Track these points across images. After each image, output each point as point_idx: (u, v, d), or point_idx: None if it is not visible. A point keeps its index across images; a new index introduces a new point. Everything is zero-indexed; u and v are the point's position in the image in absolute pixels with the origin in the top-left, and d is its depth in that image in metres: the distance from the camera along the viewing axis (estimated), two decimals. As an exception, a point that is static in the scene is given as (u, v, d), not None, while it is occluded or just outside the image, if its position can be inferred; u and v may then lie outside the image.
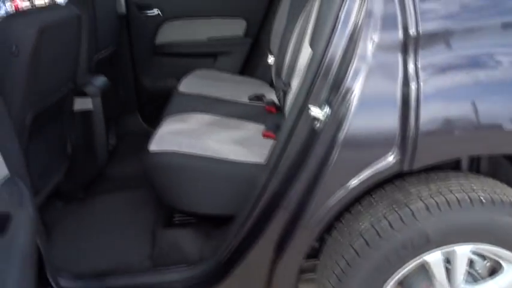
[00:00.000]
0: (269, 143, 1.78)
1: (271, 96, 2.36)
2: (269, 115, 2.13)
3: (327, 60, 1.19)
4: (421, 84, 1.16)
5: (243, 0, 2.84)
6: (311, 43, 1.67)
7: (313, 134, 1.22)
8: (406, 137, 1.18)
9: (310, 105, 1.22)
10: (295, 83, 1.78)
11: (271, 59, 2.70)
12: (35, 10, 1.45)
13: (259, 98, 2.32)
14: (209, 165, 1.54)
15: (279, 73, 2.09)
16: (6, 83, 1.33)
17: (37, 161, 1.64)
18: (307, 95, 1.23)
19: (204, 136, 1.74)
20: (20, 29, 1.32)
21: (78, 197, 2.12)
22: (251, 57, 2.95)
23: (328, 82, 1.19)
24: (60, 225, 1.94)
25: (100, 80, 2.07)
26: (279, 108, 2.20)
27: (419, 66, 1.16)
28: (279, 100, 2.23)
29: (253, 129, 1.90)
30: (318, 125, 1.20)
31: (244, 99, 2.32)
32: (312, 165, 1.24)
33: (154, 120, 2.81)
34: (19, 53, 1.34)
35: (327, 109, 1.19)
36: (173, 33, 2.84)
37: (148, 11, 2.79)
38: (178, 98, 2.25)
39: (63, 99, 1.80)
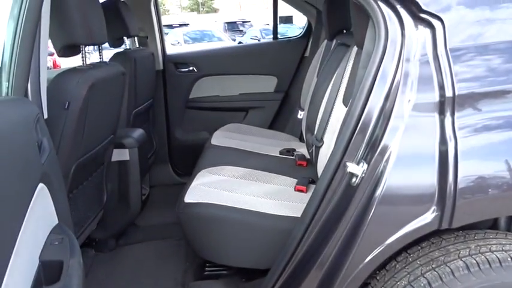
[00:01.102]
0: (301, 196, 1.80)
1: (302, 150, 2.40)
2: (300, 169, 2.16)
3: (364, 117, 1.23)
4: (459, 143, 1.18)
5: (275, 59, 2.96)
6: (344, 101, 1.73)
7: (350, 190, 1.24)
8: (444, 194, 1.18)
9: (347, 162, 1.24)
10: (327, 139, 1.82)
11: (301, 114, 2.77)
12: (85, 67, 1.56)
13: (289, 152, 2.36)
14: (243, 217, 1.56)
15: (310, 128, 2.14)
16: (56, 135, 1.41)
17: (75, 209, 1.69)
18: (344, 151, 1.26)
19: (238, 188, 1.77)
20: (73, 85, 1.41)
21: (109, 248, 2.15)
22: (281, 112, 3.03)
23: (365, 139, 1.22)
24: (91, 274, 1.96)
25: (138, 133, 2.16)
26: (310, 162, 2.23)
27: (456, 125, 1.19)
28: (310, 154, 2.27)
29: (285, 183, 1.93)
30: (355, 181, 1.22)
31: (275, 153, 2.36)
32: (349, 221, 1.24)
33: (184, 172, 2.91)
34: (69, 107, 1.43)
35: (364, 165, 1.22)
36: (207, 88, 2.96)
37: (185, 68, 2.93)
38: (211, 150, 2.31)
39: (104, 151, 1.88)
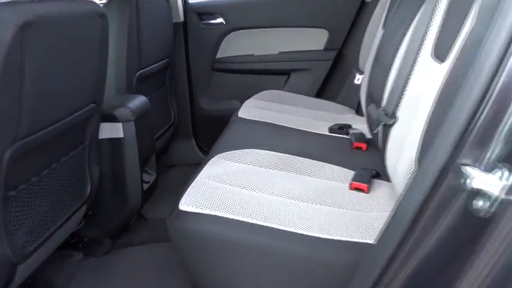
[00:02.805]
0: (361, 200, 1.19)
1: (360, 127, 1.76)
2: (357, 154, 1.54)
3: (497, 90, 0.59)
4: None
5: (326, 6, 2.28)
6: (437, 52, 1.07)
7: (474, 223, 0.61)
8: None
9: (463, 165, 0.61)
10: (404, 114, 1.18)
11: (359, 79, 2.11)
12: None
13: (343, 129, 1.73)
14: (267, 242, 0.98)
15: (374, 98, 1.49)
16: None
17: (40, 204, 1.19)
18: (457, 146, 0.63)
19: (264, 187, 1.19)
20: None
21: (103, 250, 1.66)
22: (333, 76, 2.37)
23: (502, 129, 0.59)
24: (75, 285, 1.48)
25: (136, 101, 1.61)
26: (372, 145, 1.60)
27: None
28: (372, 134, 1.63)
29: (336, 176, 1.32)
30: (486, 206, 0.59)
31: (323, 130, 1.74)
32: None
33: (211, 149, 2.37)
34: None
35: (503, 174, 0.58)
36: (238, 45, 2.35)
37: (211, 20, 2.33)
38: (236, 126, 1.73)
39: (82, 126, 1.35)
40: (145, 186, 1.71)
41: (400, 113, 1.20)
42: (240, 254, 0.97)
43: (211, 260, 1.00)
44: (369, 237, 1.02)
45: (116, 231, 1.70)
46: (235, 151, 1.41)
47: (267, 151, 1.43)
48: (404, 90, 1.20)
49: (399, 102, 1.22)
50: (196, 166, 1.70)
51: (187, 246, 1.03)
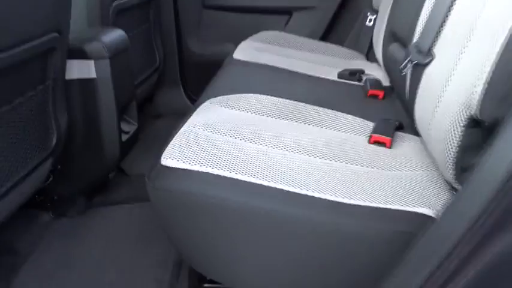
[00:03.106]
0: (383, 156, 0.97)
1: (374, 73, 1.53)
2: (373, 104, 1.31)
3: None
4: None
5: None
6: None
7: None
8: None
9: None
10: (445, 50, 0.94)
11: (371, 20, 1.85)
12: None
13: (355, 74, 1.49)
14: (278, 209, 0.75)
15: (400, 36, 1.25)
16: None
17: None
18: None
19: (264, 138, 0.96)
20: None
21: (76, 209, 1.44)
22: (340, 17, 2.09)
23: None
24: (39, 252, 1.27)
25: (112, 36, 1.34)
26: (389, 94, 1.37)
27: None
28: (393, 79, 1.40)
29: (351, 128, 1.10)
30: None
31: (332, 76, 1.50)
32: None
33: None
34: None
35: None
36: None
37: None
38: (230, 69, 1.48)
39: (41, 61, 1.09)
40: (125, 137, 1.47)
41: (439, 48, 0.96)
42: (237, 222, 0.76)
43: (201, 228, 0.79)
44: (399, 203, 0.81)
45: (92, 188, 1.48)
46: (231, 96, 1.17)
47: (269, 96, 1.19)
48: (445, 20, 0.95)
49: (438, 36, 0.97)
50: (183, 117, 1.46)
51: (170, 210, 0.81)
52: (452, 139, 0.79)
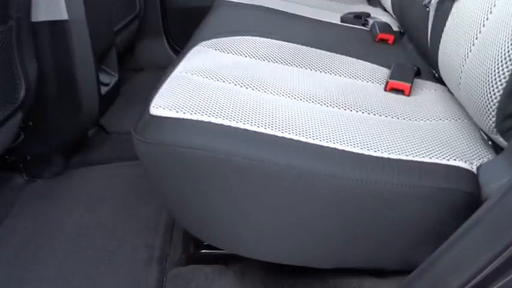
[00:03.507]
0: (404, 104, 0.85)
1: (381, 17, 1.38)
2: (384, 49, 1.17)
3: None
4: None
5: None
6: None
7: None
8: None
9: None
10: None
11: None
12: None
13: (360, 18, 1.35)
14: (292, 163, 0.62)
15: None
16: None
17: None
18: None
19: (270, 87, 0.83)
20: None
21: (53, 170, 1.30)
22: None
23: None
24: (12, 218, 1.14)
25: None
26: (399, 39, 1.24)
27: None
28: (402, 23, 1.26)
29: (363, 75, 0.97)
30: None
31: (335, 19, 1.36)
32: None
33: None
34: None
35: None
36: None
37: None
38: (222, 11, 1.31)
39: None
40: (104, 89, 1.32)
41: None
42: (244, 179, 0.63)
43: (199, 187, 0.66)
44: (431, 155, 0.69)
45: (69, 147, 1.33)
46: (226, 38, 1.02)
47: (269, 39, 1.04)
48: None
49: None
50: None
51: (162, 166, 0.68)
52: (496, 80, 0.67)
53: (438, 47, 0.90)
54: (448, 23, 0.86)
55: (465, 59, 0.77)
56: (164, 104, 0.70)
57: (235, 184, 0.63)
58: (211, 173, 0.63)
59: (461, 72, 0.78)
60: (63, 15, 1.11)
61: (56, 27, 1.12)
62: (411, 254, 0.65)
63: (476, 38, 0.74)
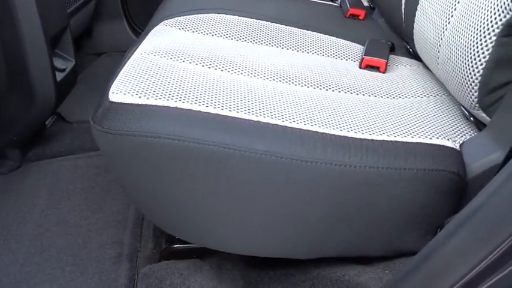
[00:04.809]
0: (380, 81, 0.82)
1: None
2: (356, 24, 1.13)
3: None
4: None
5: None
6: None
7: None
8: None
9: None
10: None
11: None
12: None
13: (328, -7, 1.30)
14: (269, 148, 0.57)
15: None
16: None
17: None
18: None
19: (240, 68, 0.77)
20: None
21: (9, 165, 1.20)
22: None
23: None
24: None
25: None
26: (369, 14, 1.20)
27: None
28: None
29: (338, 51, 0.93)
30: None
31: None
32: None
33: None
34: None
35: None
36: None
37: None
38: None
39: None
40: (60, 75, 1.22)
41: None
42: (218, 168, 0.58)
43: (167, 178, 0.60)
44: (413, 134, 0.66)
45: (26, 138, 1.24)
46: (190, 16, 0.95)
47: (236, 16, 0.98)
48: None
49: None
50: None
51: (125, 157, 0.61)
52: (479, 53, 0.63)
53: (413, 21, 0.87)
54: (423, -5, 0.82)
55: (443, 32, 0.74)
56: (124, 89, 0.63)
57: (209, 174, 0.58)
58: (182, 163, 0.57)
59: (439, 46, 0.75)
60: (8, -5, 1.01)
61: (1, 9, 1.02)
62: (397, 239, 0.62)
63: (455, 9, 0.71)
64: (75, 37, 1.45)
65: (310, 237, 0.63)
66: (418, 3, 0.85)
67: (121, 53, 1.55)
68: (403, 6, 0.93)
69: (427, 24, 0.81)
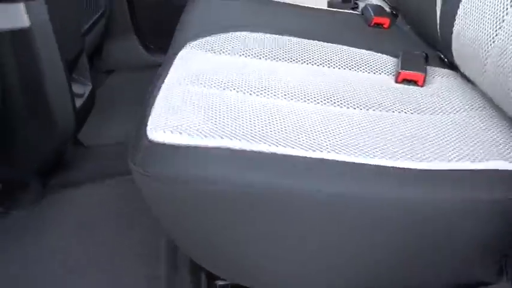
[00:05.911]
0: (423, 95, 0.78)
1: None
2: (382, 34, 1.09)
3: None
4: None
5: None
6: None
7: None
8: None
9: None
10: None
11: None
12: None
13: (349, 1, 1.26)
14: (322, 188, 0.54)
15: None
16: None
17: None
18: None
19: (280, 91, 0.73)
20: None
21: (31, 198, 1.17)
22: None
23: None
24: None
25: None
26: (393, 22, 1.16)
27: None
28: (399, 3, 1.18)
29: (371, 65, 0.89)
30: None
31: (320, 4, 1.26)
32: None
33: (159, 46, 1.82)
34: None
35: None
36: None
37: None
38: (200, 4, 1.20)
39: None
40: (79, 101, 1.19)
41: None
42: (279, 211, 0.54)
43: (217, 222, 0.56)
44: (465, 158, 0.62)
45: (46, 167, 1.20)
46: (214, 36, 0.91)
47: (259, 33, 0.94)
48: None
49: None
50: (141, 70, 1.17)
51: (171, 202, 0.57)
52: None
53: (452, 30, 0.82)
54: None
55: (492, 40, 0.70)
56: (164, 125, 0.59)
57: (275, 218, 0.54)
58: (239, 209, 0.53)
59: (487, 51, 0.71)
60: (25, 22, 0.98)
61: (18, 36, 0.99)
62: (463, 274, 0.58)
63: (507, 14, 0.67)
64: (88, 57, 1.42)
65: (355, 276, 0.59)
66: (458, 8, 0.80)
67: (132, 69, 1.50)
68: (438, 14, 0.89)
69: (470, 32, 0.76)
